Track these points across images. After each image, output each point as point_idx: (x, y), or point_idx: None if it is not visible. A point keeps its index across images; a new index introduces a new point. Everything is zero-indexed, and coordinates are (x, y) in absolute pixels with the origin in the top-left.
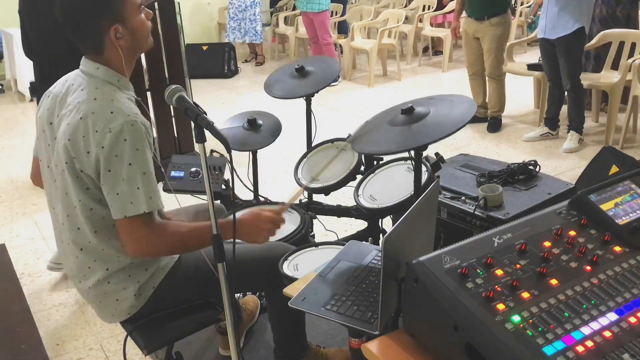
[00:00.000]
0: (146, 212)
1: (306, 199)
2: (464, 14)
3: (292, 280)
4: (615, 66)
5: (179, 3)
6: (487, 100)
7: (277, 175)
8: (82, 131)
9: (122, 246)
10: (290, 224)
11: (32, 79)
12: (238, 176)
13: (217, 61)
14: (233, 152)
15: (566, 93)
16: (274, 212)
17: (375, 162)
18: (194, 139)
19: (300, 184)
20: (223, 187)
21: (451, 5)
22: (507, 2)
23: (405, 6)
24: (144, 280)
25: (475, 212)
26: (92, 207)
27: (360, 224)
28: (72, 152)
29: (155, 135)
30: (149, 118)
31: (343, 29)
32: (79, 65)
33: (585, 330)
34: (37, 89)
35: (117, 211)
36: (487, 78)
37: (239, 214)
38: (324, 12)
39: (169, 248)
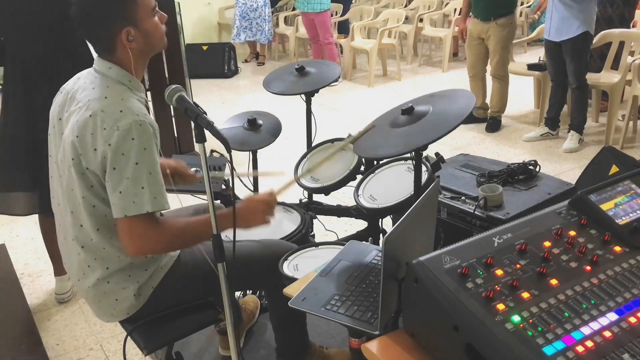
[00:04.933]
0: (149, 212)
1: (306, 199)
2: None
3: (292, 280)
4: (615, 66)
5: (179, 3)
6: (487, 101)
7: None
8: (91, 128)
9: (122, 245)
10: (290, 223)
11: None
12: (238, 176)
13: (217, 61)
14: (233, 152)
15: (570, 92)
16: (266, 194)
17: (375, 162)
18: (194, 139)
19: (294, 177)
20: (223, 187)
21: (452, 5)
22: (514, 3)
23: (405, 6)
24: (144, 281)
25: (475, 212)
26: (95, 204)
27: (360, 224)
28: (80, 148)
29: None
30: None
31: (344, 28)
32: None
33: (585, 330)
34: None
35: (119, 210)
36: (491, 78)
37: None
38: (325, 12)
39: (169, 245)
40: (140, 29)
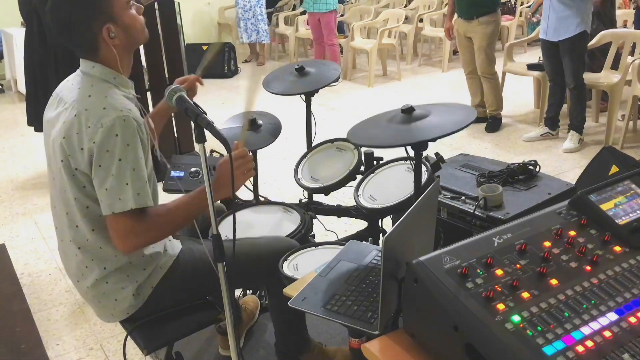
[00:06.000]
0: (133, 209)
1: (306, 199)
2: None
3: (292, 280)
4: (615, 66)
5: (179, 3)
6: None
7: (277, 175)
8: (76, 128)
9: (114, 243)
10: (290, 224)
11: None
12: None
13: (217, 61)
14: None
15: (568, 92)
16: (233, 151)
17: (375, 162)
18: (194, 139)
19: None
20: None
21: None
22: (496, 2)
23: (405, 6)
24: (142, 280)
25: (475, 212)
26: (88, 205)
27: (360, 224)
28: (67, 149)
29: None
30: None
31: (340, 29)
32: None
33: (585, 330)
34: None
35: (106, 207)
36: (481, 78)
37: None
38: (331, 12)
39: (160, 233)
40: (119, 23)
